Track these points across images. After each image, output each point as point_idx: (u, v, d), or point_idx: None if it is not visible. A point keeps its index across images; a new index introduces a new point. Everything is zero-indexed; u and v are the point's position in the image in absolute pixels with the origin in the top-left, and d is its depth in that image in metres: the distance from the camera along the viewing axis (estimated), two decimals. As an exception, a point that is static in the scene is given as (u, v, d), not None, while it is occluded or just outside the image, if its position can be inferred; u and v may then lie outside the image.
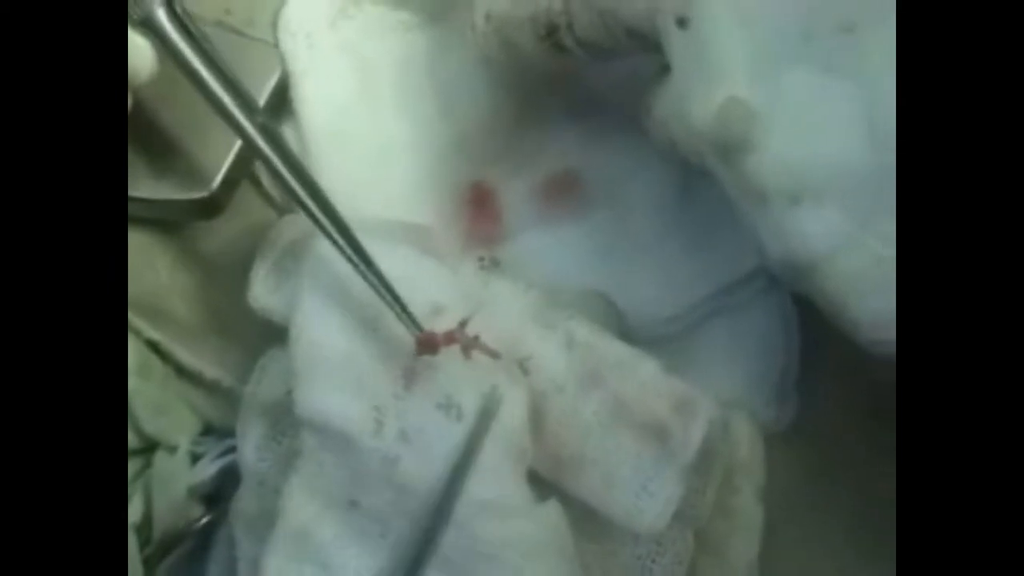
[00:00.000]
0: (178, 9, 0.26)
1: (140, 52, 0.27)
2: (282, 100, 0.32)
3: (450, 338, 0.26)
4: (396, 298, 0.26)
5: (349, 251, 0.26)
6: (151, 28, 0.26)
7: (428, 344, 0.26)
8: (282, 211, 0.32)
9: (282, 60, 0.32)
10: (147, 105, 0.30)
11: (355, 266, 0.26)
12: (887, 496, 0.28)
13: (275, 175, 0.26)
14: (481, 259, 0.28)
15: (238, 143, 0.30)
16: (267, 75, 0.32)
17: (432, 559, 0.27)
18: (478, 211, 0.31)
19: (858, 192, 0.22)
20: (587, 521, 0.28)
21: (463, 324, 0.26)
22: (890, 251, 0.22)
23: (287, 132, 0.33)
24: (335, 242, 0.26)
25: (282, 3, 0.33)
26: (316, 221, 0.26)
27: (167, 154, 0.30)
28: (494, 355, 0.26)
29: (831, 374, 0.31)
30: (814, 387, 0.31)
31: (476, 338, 0.26)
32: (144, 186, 0.30)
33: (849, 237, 0.22)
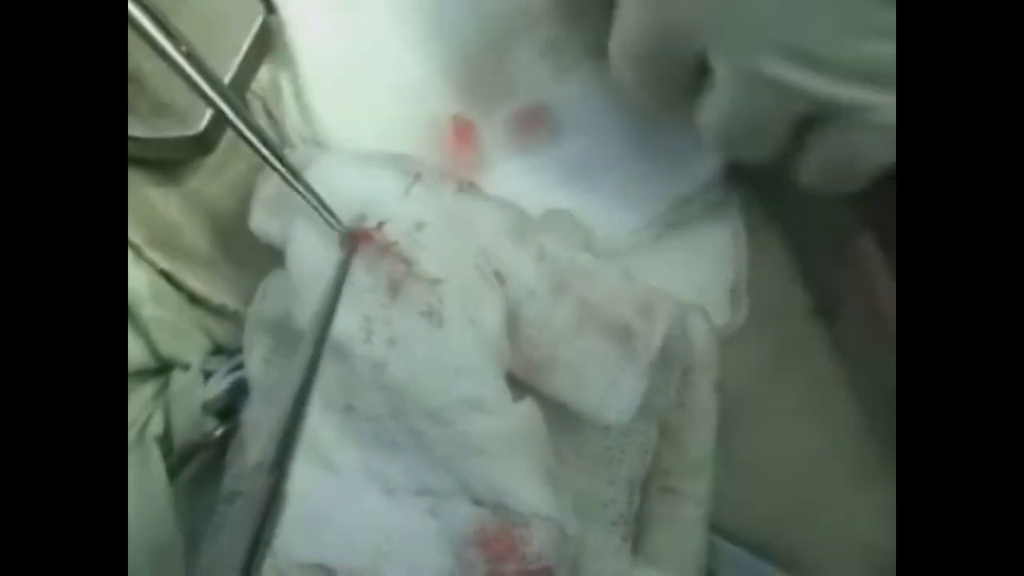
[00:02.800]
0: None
1: None
2: (265, 44, 0.33)
3: (367, 236, 0.28)
4: (320, 201, 0.28)
5: (274, 161, 0.28)
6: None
7: (351, 240, 0.28)
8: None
9: (267, 6, 0.33)
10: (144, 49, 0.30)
11: (279, 172, 0.28)
12: (834, 378, 0.31)
13: (203, 97, 0.27)
14: (460, 183, 0.30)
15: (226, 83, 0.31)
16: (251, 20, 0.32)
17: (421, 456, 0.28)
18: (459, 141, 0.33)
19: None
20: (560, 417, 0.29)
21: (380, 225, 0.28)
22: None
23: (282, 76, 0.34)
24: (258, 152, 0.28)
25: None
26: (240, 134, 0.27)
27: (163, 96, 0.31)
28: (406, 262, 0.28)
29: (779, 277, 0.33)
30: (765, 288, 0.33)
31: (395, 243, 0.28)
32: (142, 128, 0.31)
33: None
